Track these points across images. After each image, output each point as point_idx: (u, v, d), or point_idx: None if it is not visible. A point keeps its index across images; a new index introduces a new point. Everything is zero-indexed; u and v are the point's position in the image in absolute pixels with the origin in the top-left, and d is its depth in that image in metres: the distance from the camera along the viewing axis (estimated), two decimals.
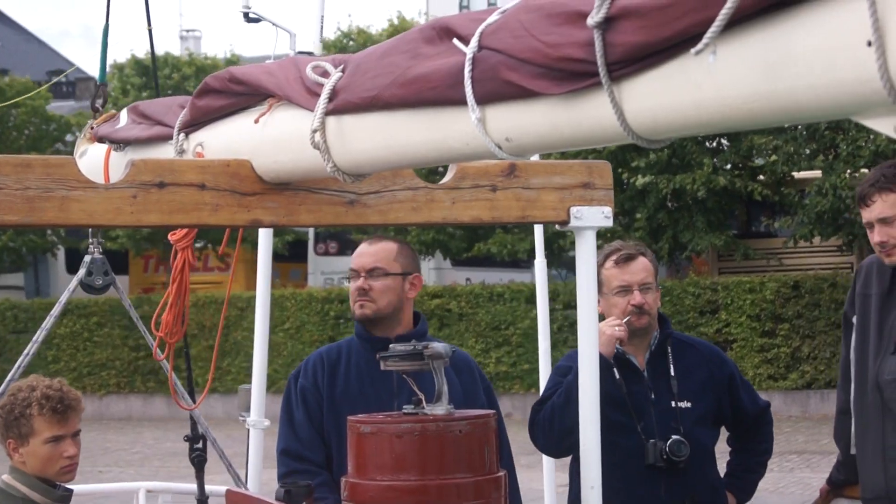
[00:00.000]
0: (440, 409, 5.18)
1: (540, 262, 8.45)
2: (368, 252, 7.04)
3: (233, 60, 47.61)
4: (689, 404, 6.93)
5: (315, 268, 59.13)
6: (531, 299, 22.04)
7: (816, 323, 35.71)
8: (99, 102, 6.57)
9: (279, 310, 38.11)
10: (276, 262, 57.61)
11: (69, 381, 6.91)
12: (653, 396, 6.88)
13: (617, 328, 6.47)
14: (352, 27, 53.46)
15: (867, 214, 6.79)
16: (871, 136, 32.40)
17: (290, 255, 56.54)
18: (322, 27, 10.91)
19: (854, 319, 7.10)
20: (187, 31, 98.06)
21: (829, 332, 34.35)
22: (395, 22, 50.83)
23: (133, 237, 48.34)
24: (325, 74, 4.55)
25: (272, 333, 7.98)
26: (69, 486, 6.48)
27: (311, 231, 56.61)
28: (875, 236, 6.67)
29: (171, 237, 6.78)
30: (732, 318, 36.81)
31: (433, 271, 48.45)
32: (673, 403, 6.90)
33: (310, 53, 8.24)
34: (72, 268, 54.73)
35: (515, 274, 49.54)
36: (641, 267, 6.93)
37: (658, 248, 37.08)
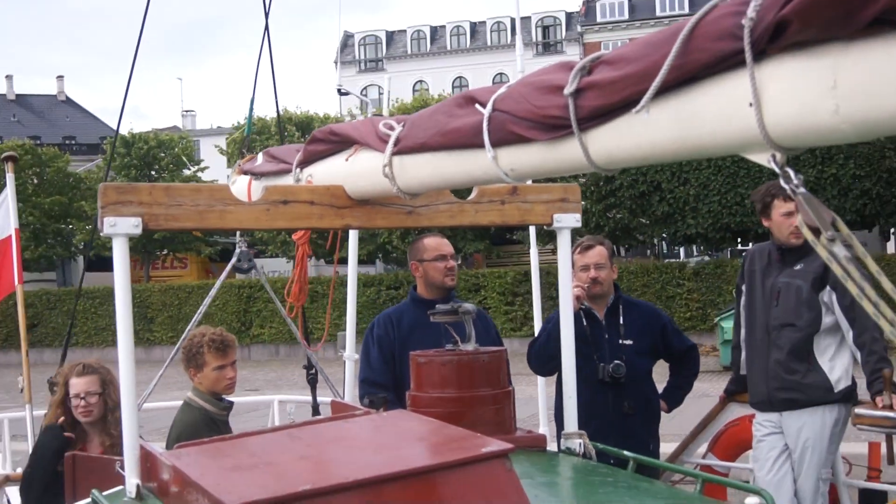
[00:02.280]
0: (470, 346, 5.28)
1: (534, 251, 8.61)
2: (444, 243, 7.12)
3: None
4: (630, 342, 6.99)
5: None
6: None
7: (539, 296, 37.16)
8: (245, 149, 6.59)
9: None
10: (217, 262, 56.53)
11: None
12: (606, 336, 6.94)
13: (575, 289, 6.49)
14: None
15: (778, 211, 6.76)
16: None
17: (221, 258, 54.30)
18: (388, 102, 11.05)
19: (743, 287, 7.11)
20: (186, 111, 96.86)
21: (547, 302, 35.40)
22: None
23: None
24: (391, 129, 4.64)
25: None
26: (230, 398, 6.54)
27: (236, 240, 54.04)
28: (792, 225, 6.61)
29: (294, 236, 6.89)
30: (488, 294, 40.24)
31: None
32: (620, 341, 6.96)
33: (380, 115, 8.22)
34: (89, 268, 53.96)
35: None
36: (597, 253, 6.99)
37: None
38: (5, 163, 11.46)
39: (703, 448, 7.98)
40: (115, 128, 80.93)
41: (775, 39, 2.55)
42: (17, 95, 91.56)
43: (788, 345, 6.67)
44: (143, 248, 46.60)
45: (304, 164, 5.54)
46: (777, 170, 2.72)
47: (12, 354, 38.60)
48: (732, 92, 2.70)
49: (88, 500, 4.52)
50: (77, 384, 6.62)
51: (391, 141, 4.61)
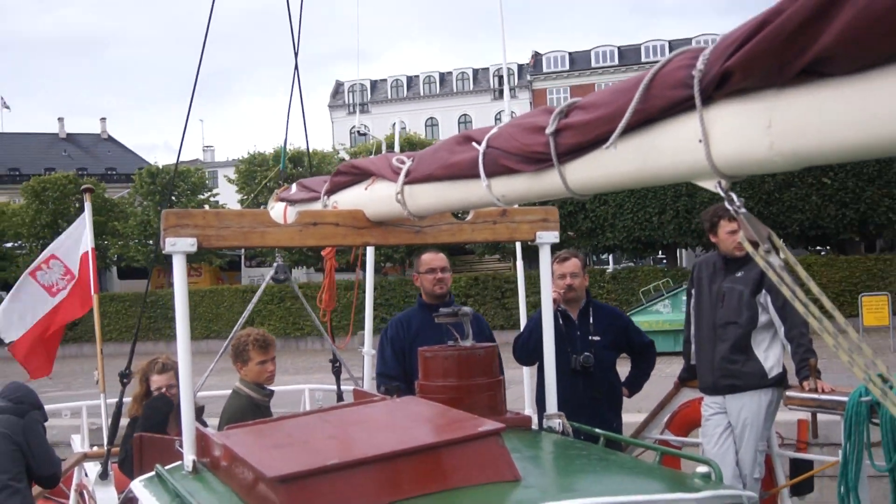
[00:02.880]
0: (468, 342, 5.27)
1: (520, 263, 8.51)
2: (439, 258, 7.09)
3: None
4: (598, 338, 6.97)
5: (245, 274, 57.22)
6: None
7: (487, 298, 38.73)
8: (280, 181, 6.57)
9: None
10: (226, 271, 56.01)
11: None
12: (578, 333, 6.92)
13: (553, 293, 6.47)
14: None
15: (723, 229, 6.77)
16: None
17: (230, 267, 55.74)
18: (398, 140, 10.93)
19: (692, 292, 7.09)
20: (206, 146, 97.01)
21: (493, 303, 38.62)
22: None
23: (148, 257, 46.25)
24: (402, 163, 4.64)
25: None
26: (270, 387, 6.52)
27: (241, 253, 55.45)
28: (735, 240, 6.63)
29: (324, 252, 6.88)
30: None
31: None
32: (590, 337, 6.93)
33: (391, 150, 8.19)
34: (121, 276, 54.33)
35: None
36: (571, 264, 6.97)
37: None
38: (83, 193, 11.48)
39: (661, 426, 7.95)
40: (147, 160, 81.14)
41: (720, 87, 2.54)
42: (67, 134, 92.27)
43: (731, 339, 6.67)
44: (165, 258, 46.22)
45: (330, 192, 5.54)
46: (722, 194, 2.71)
47: (68, 348, 38.00)
48: (685, 131, 2.70)
49: (152, 473, 4.52)
50: (157, 380, 6.67)
51: (402, 173, 4.61)
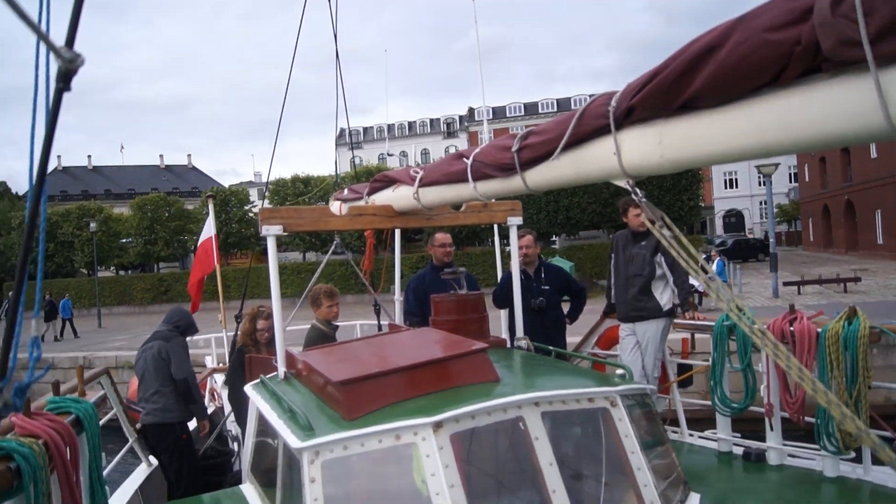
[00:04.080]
0: (463, 292, 5.24)
1: (497, 239, 8.39)
2: (447, 237, 7.05)
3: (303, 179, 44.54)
4: (547, 287, 6.92)
5: None
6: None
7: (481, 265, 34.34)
8: (338, 190, 6.54)
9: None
10: (264, 254, 52.99)
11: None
12: (534, 284, 6.86)
13: (519, 260, 6.43)
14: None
15: (632, 213, 6.73)
16: None
17: (265, 252, 52.23)
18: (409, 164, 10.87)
19: (612, 255, 7.06)
20: (256, 172, 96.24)
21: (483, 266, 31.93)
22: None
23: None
24: (417, 173, 4.62)
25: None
26: (336, 323, 6.50)
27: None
28: (639, 220, 6.62)
29: (366, 233, 6.86)
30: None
31: None
32: (542, 287, 6.88)
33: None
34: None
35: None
36: (527, 238, 6.89)
37: None
38: (208, 199, 11.54)
39: (591, 344, 7.95)
40: (219, 181, 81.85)
41: (627, 117, 2.53)
42: (166, 165, 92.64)
43: (638, 286, 6.65)
44: (223, 246, 46.15)
45: (370, 193, 5.53)
46: (630, 189, 2.70)
47: (205, 303, 37.75)
48: (604, 147, 2.69)
49: (258, 381, 4.54)
50: (262, 324, 6.67)
51: (417, 179, 4.59)
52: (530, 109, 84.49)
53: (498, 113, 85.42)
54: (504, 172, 3.48)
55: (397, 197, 5.03)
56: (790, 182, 69.32)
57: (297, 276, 35.87)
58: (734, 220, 71.01)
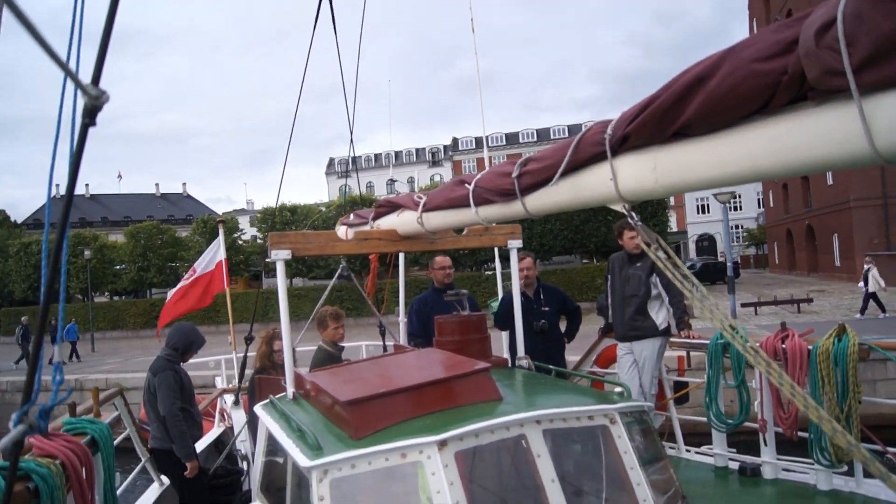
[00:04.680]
0: (465, 313, 5.24)
1: (497, 262, 8.37)
2: (447, 260, 7.03)
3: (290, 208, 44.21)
4: (548, 308, 6.90)
5: (265, 282, 55.28)
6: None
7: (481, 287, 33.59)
8: (344, 216, 6.53)
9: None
10: (254, 280, 50.09)
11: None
12: (535, 306, 6.84)
13: (520, 282, 6.43)
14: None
15: (627, 235, 6.75)
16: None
17: (255, 278, 50.62)
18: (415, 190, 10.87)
19: (608, 276, 7.07)
20: (248, 200, 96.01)
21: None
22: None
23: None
24: (420, 198, 4.64)
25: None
26: (341, 345, 6.46)
27: (262, 268, 51.77)
28: (634, 243, 6.66)
29: (371, 257, 6.84)
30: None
31: None
32: (542, 308, 6.87)
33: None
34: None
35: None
36: (527, 261, 6.87)
37: None
38: (218, 224, 11.55)
39: (591, 362, 7.94)
40: (213, 209, 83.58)
41: (622, 144, 2.56)
42: (161, 193, 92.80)
43: (634, 306, 6.65)
44: (267, 264, 46.03)
45: (375, 218, 5.54)
46: (626, 213, 2.72)
47: (208, 327, 37.57)
48: (601, 173, 2.71)
49: (267, 401, 4.53)
50: (278, 344, 6.61)
51: (421, 204, 4.61)
52: (511, 139, 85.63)
53: (480, 143, 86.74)
54: (504, 197, 3.50)
55: (402, 222, 5.04)
56: (759, 207, 70.37)
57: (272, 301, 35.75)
58: (706, 244, 71.74)
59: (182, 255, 47.05)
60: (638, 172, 2.52)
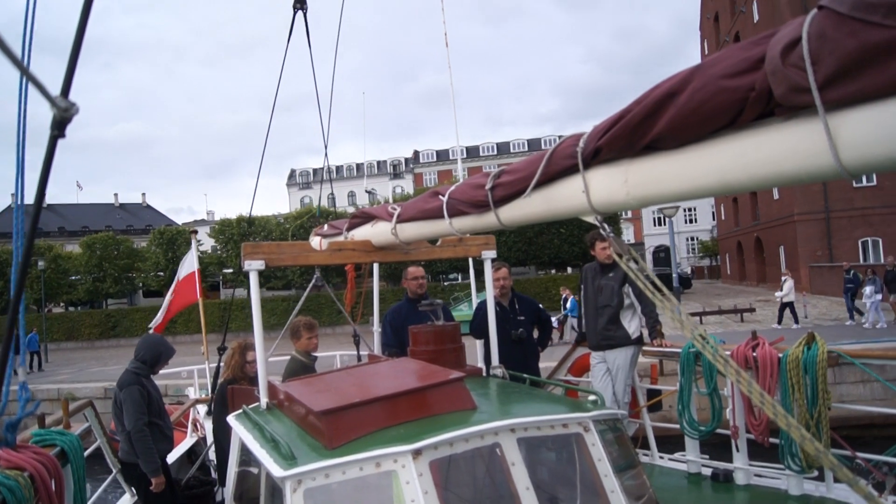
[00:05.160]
0: (440, 323, 5.22)
1: (472, 272, 8.32)
2: (419, 270, 7.02)
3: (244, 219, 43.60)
4: (523, 317, 6.91)
5: (223, 293, 54.64)
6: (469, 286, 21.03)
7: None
8: (319, 225, 6.49)
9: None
10: (213, 290, 49.71)
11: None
12: (511, 315, 6.84)
13: (495, 291, 6.45)
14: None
15: (599, 246, 6.80)
16: None
17: (212, 288, 51.45)
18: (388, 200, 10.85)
19: (582, 286, 7.10)
20: (209, 210, 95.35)
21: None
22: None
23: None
24: (394, 209, 4.63)
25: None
26: (315, 354, 6.41)
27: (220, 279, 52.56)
28: (606, 253, 6.72)
29: (347, 268, 6.81)
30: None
31: None
32: (518, 318, 6.87)
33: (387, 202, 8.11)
34: (145, 295, 53.28)
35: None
36: (502, 271, 6.88)
37: None
38: (191, 234, 11.50)
39: (564, 371, 7.97)
40: (173, 220, 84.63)
41: (594, 157, 2.58)
42: (120, 203, 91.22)
43: (607, 315, 6.69)
44: (170, 283, 45.54)
45: (349, 229, 5.52)
46: (599, 224, 2.74)
47: (179, 337, 37.00)
48: (573, 185, 2.73)
49: (240, 411, 4.49)
50: (250, 354, 6.50)
51: (395, 215, 4.61)
52: (472, 152, 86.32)
53: (441, 155, 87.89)
54: (478, 209, 3.51)
55: (376, 232, 5.03)
56: (713, 220, 72.06)
57: (242, 311, 35.52)
58: (663, 255, 73.05)
59: (139, 265, 46.84)
60: (610, 185, 2.54)
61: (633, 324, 6.72)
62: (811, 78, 1.72)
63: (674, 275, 26.54)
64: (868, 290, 21.63)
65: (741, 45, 1.98)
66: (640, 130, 2.25)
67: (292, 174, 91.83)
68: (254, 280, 4.66)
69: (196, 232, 11.82)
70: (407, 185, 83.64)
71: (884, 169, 1.80)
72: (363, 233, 5.24)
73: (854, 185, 36.18)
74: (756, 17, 42.62)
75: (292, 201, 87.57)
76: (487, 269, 5.80)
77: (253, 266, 4.66)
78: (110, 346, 42.05)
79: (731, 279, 55.68)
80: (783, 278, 24.24)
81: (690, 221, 78.87)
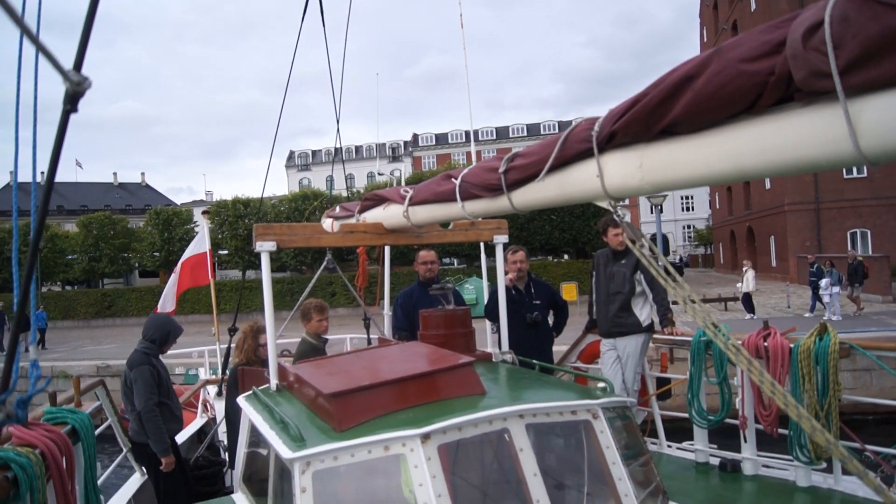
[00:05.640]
0: (451, 307, 5.23)
1: (483, 256, 8.34)
2: (431, 253, 7.04)
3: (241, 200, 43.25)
4: (539, 301, 6.93)
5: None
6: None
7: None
8: (330, 208, 6.49)
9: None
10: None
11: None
12: (527, 300, 6.86)
13: (510, 274, 6.47)
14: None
15: (612, 232, 6.78)
16: None
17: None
18: (401, 181, 10.80)
19: (594, 273, 7.08)
20: (207, 191, 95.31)
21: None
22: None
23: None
24: (406, 192, 4.61)
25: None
26: (325, 337, 6.43)
27: None
28: (619, 239, 6.71)
29: (358, 250, 6.81)
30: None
31: None
32: (534, 302, 6.89)
33: (401, 184, 8.08)
34: (141, 276, 52.83)
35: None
36: (520, 254, 6.91)
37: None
38: (203, 214, 11.50)
39: (574, 357, 7.96)
40: (173, 200, 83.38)
41: (609, 142, 2.56)
42: (119, 183, 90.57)
43: (618, 302, 6.67)
44: (166, 263, 45.59)
45: (361, 211, 5.52)
46: (612, 210, 2.72)
47: (190, 317, 37.64)
48: (587, 169, 2.71)
49: (250, 392, 4.51)
50: (261, 337, 6.52)
51: (407, 198, 4.59)
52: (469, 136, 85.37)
53: (440, 139, 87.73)
54: (491, 193, 3.49)
55: (388, 215, 5.03)
56: (710, 208, 72.08)
57: (234, 292, 35.71)
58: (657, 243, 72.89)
59: (135, 245, 46.96)
60: (624, 170, 2.52)
61: (644, 311, 6.70)
62: (832, 62, 1.69)
63: (659, 264, 26.83)
64: (824, 282, 22.22)
65: (762, 28, 1.95)
66: (657, 114, 2.22)
67: (291, 156, 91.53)
68: (265, 261, 4.67)
69: (208, 212, 11.84)
70: (406, 168, 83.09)
71: None
72: (375, 215, 5.24)
73: (844, 176, 36.75)
74: (753, 6, 42.72)
75: (291, 183, 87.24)
76: (499, 253, 5.79)
77: (265, 247, 4.66)
78: (106, 325, 42.40)
79: (724, 268, 56.04)
80: (744, 268, 24.40)
81: (687, 209, 78.83)
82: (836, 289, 21.98)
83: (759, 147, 2.01)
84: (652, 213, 74.89)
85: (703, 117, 2.10)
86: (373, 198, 5.35)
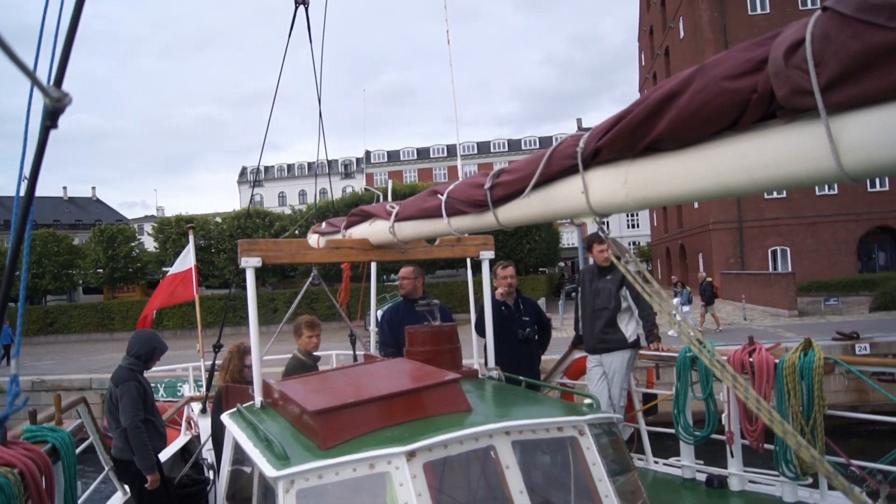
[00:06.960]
0: (437, 323, 5.20)
1: (469, 272, 8.29)
2: (407, 270, 7.01)
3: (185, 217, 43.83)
4: (527, 318, 6.90)
5: None
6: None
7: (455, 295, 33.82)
8: (315, 223, 6.47)
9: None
10: (151, 287, 48.61)
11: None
12: (517, 315, 6.84)
13: (501, 289, 6.47)
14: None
15: (597, 249, 6.79)
16: None
17: (150, 286, 48.71)
18: (389, 197, 10.77)
19: (579, 289, 7.09)
20: (159, 206, 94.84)
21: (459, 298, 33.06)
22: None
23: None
24: (392, 208, 4.60)
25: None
26: (315, 354, 6.39)
27: (159, 277, 51.28)
28: (604, 255, 6.72)
29: (343, 265, 6.78)
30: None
31: None
32: (523, 318, 6.87)
33: (388, 199, 8.05)
34: (85, 292, 51.07)
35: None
36: (510, 270, 6.90)
37: None
38: (188, 229, 11.43)
39: (560, 373, 7.94)
40: (124, 215, 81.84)
41: (594, 158, 2.56)
42: (69, 198, 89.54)
43: (604, 318, 6.68)
44: (110, 280, 46.10)
45: (347, 227, 5.50)
46: (598, 226, 2.73)
47: (172, 331, 37.98)
48: (572, 186, 2.71)
49: (234, 410, 4.47)
50: (247, 358, 6.44)
51: (393, 214, 4.59)
52: (422, 154, 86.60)
53: (392, 156, 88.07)
54: (477, 209, 3.49)
55: (374, 231, 5.02)
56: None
57: (193, 309, 34.98)
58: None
59: (78, 262, 46.63)
60: (609, 186, 2.53)
61: (629, 327, 6.71)
62: (814, 80, 1.71)
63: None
64: (676, 301, 23.35)
65: (744, 45, 1.97)
66: (641, 131, 2.24)
67: (243, 171, 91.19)
68: (250, 278, 4.63)
69: (193, 227, 11.76)
70: (358, 185, 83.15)
71: (885, 173, 1.78)
72: (361, 231, 5.22)
73: (765, 196, 38.37)
74: (682, 34, 44.36)
75: (243, 198, 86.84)
76: (485, 269, 5.78)
77: (250, 263, 4.63)
78: (48, 342, 41.91)
79: (662, 284, 57.36)
80: (674, 285, 25.70)
81: (632, 227, 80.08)
82: (686, 308, 23.70)
83: (742, 164, 2.03)
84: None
85: (686, 134, 2.11)
86: (359, 213, 5.34)
